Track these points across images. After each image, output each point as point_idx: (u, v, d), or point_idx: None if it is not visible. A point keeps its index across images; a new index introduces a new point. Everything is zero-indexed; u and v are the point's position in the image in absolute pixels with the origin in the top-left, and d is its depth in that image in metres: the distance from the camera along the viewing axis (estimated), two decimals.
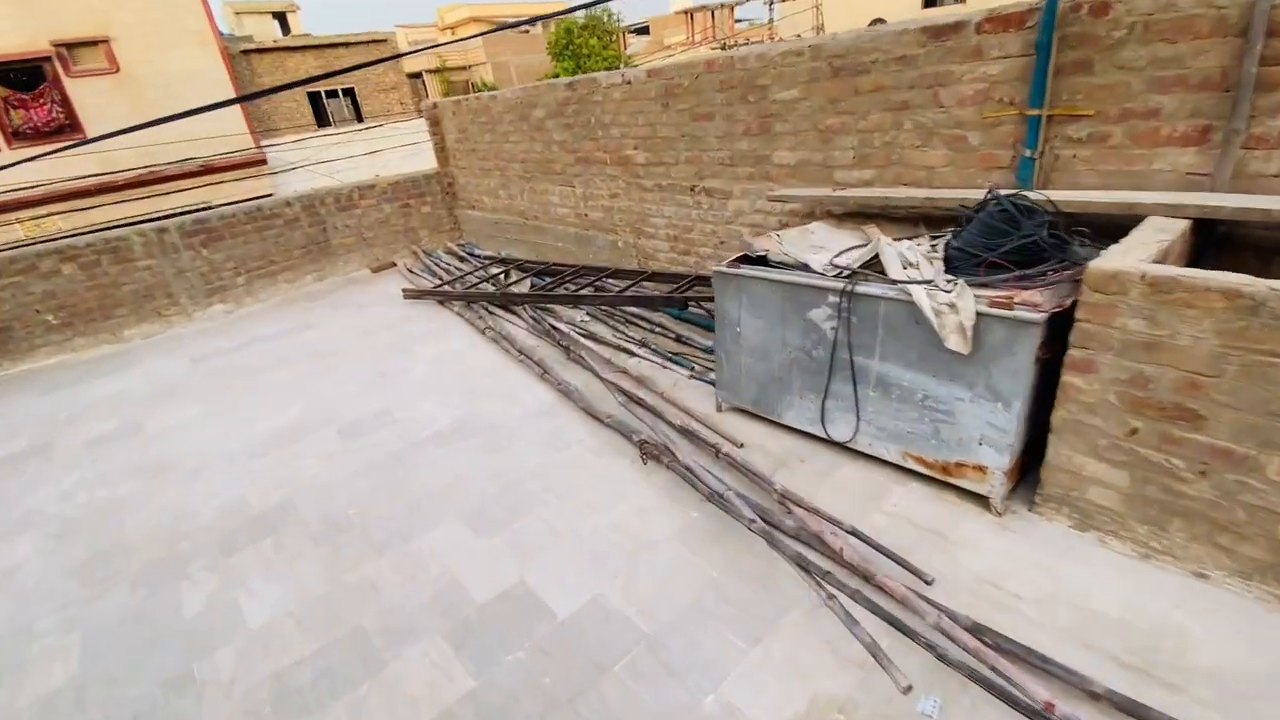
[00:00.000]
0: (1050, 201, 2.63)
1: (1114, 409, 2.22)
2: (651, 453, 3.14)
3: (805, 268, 2.94)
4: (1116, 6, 2.64)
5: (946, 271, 2.61)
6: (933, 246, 2.99)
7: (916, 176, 3.53)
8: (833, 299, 2.78)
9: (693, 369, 4.06)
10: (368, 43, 20.78)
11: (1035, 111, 2.95)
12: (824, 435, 3.07)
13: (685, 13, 34.33)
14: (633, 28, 32.85)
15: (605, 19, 27.09)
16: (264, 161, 15.09)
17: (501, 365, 4.65)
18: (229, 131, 14.16)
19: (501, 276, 6.34)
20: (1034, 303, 2.23)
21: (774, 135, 4.12)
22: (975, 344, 2.35)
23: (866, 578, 2.30)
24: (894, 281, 2.57)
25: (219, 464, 3.85)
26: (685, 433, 3.23)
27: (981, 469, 2.55)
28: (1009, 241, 2.50)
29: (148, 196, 13.28)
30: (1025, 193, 2.68)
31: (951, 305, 2.37)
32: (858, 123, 3.66)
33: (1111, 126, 2.80)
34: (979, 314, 2.32)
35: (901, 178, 3.59)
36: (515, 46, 33.09)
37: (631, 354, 4.38)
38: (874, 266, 2.78)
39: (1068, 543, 2.41)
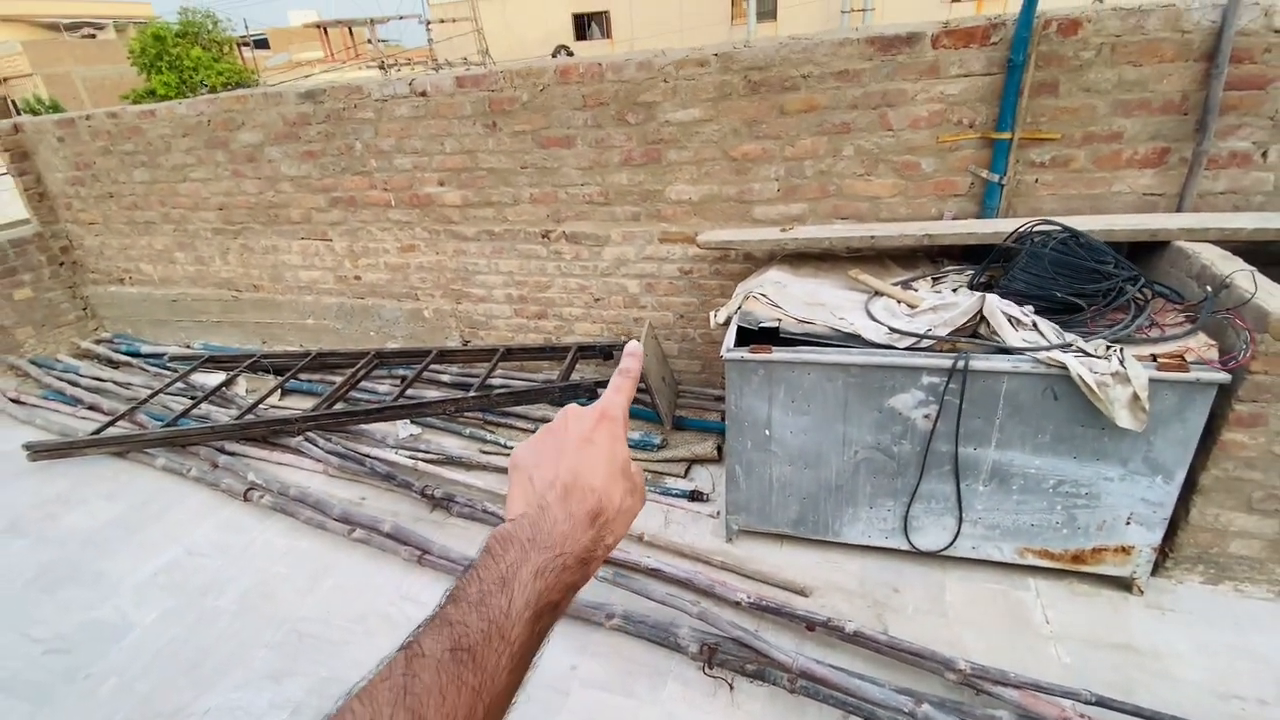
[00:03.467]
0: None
1: (1277, 459, 2.02)
2: (733, 663, 2.00)
3: (854, 339, 2.19)
4: (1085, 27, 2.52)
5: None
6: (953, 289, 2.55)
7: (858, 209, 3.08)
8: (929, 379, 2.09)
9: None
10: None
11: (1004, 135, 2.72)
12: (907, 547, 2.38)
13: (317, 26, 29.96)
14: (246, 39, 27.31)
15: (210, 26, 21.97)
16: None
17: (320, 559, 2.76)
18: None
19: (225, 388, 4.07)
20: (1209, 360, 1.88)
21: (667, 165, 3.26)
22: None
23: None
24: (1020, 350, 2.00)
25: None
26: (758, 608, 2.15)
27: (1126, 550, 2.17)
28: (1101, 284, 2.16)
29: None
30: (1057, 220, 2.39)
31: (1117, 375, 1.90)
32: (784, 149, 3.05)
33: (1075, 150, 2.72)
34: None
35: (840, 210, 3.11)
36: (79, 54, 24.77)
37: None
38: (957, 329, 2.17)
39: (1221, 606, 2.18)
